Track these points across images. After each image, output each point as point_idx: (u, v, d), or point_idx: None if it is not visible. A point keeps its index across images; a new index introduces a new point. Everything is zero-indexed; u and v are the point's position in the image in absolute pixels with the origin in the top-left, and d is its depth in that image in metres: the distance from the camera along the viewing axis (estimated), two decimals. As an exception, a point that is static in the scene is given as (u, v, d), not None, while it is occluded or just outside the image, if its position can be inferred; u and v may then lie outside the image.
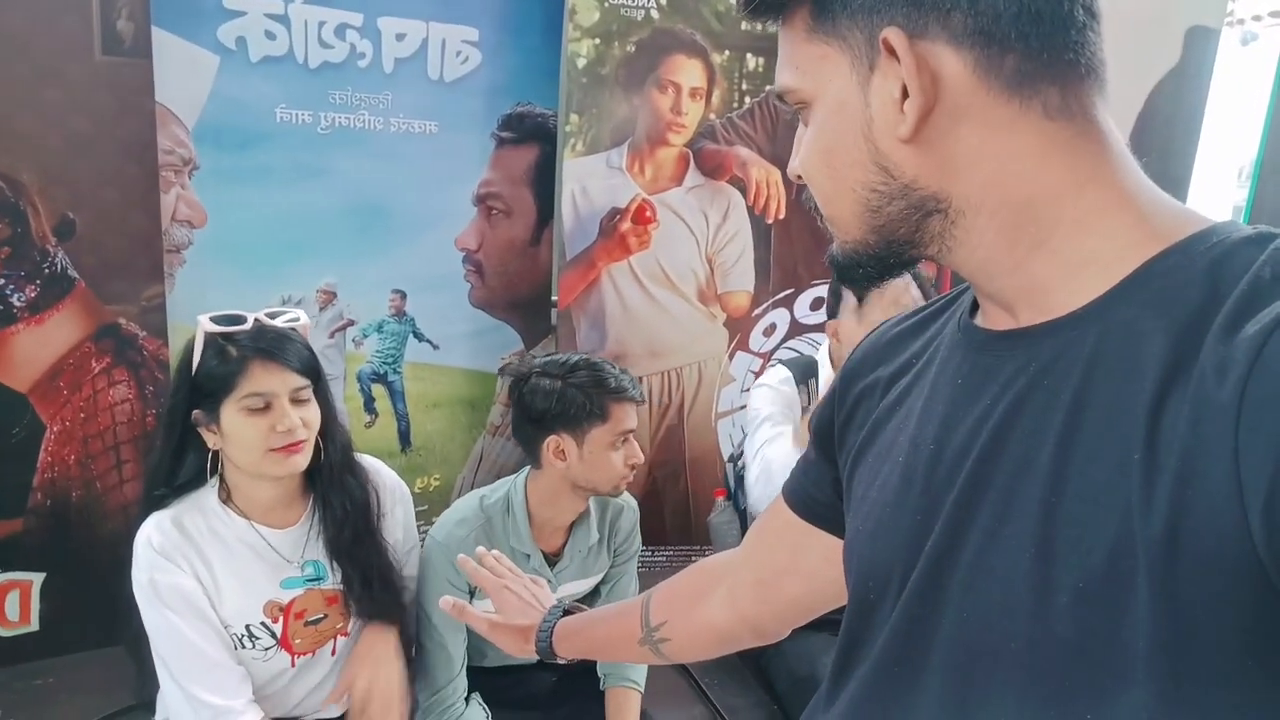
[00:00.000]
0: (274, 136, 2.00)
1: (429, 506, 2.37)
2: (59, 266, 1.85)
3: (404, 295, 2.24)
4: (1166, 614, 0.48)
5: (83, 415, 1.93)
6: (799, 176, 0.65)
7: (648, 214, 2.28)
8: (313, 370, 1.38)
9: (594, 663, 1.72)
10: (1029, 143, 0.56)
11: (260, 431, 1.33)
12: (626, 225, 2.28)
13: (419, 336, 2.29)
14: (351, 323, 2.20)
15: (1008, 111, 0.56)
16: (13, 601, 1.93)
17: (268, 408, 1.33)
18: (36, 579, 1.96)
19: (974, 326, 0.64)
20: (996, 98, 0.56)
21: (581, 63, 2.23)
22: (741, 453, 1.95)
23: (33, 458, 1.90)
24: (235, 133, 1.96)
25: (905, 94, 0.56)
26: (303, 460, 1.38)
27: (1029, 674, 0.54)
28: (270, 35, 1.95)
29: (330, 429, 1.44)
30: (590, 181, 2.26)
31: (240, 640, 1.40)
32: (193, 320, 1.97)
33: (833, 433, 0.77)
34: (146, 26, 1.82)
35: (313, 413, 1.38)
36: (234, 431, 1.34)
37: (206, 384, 1.34)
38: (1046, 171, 0.57)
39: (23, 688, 1.87)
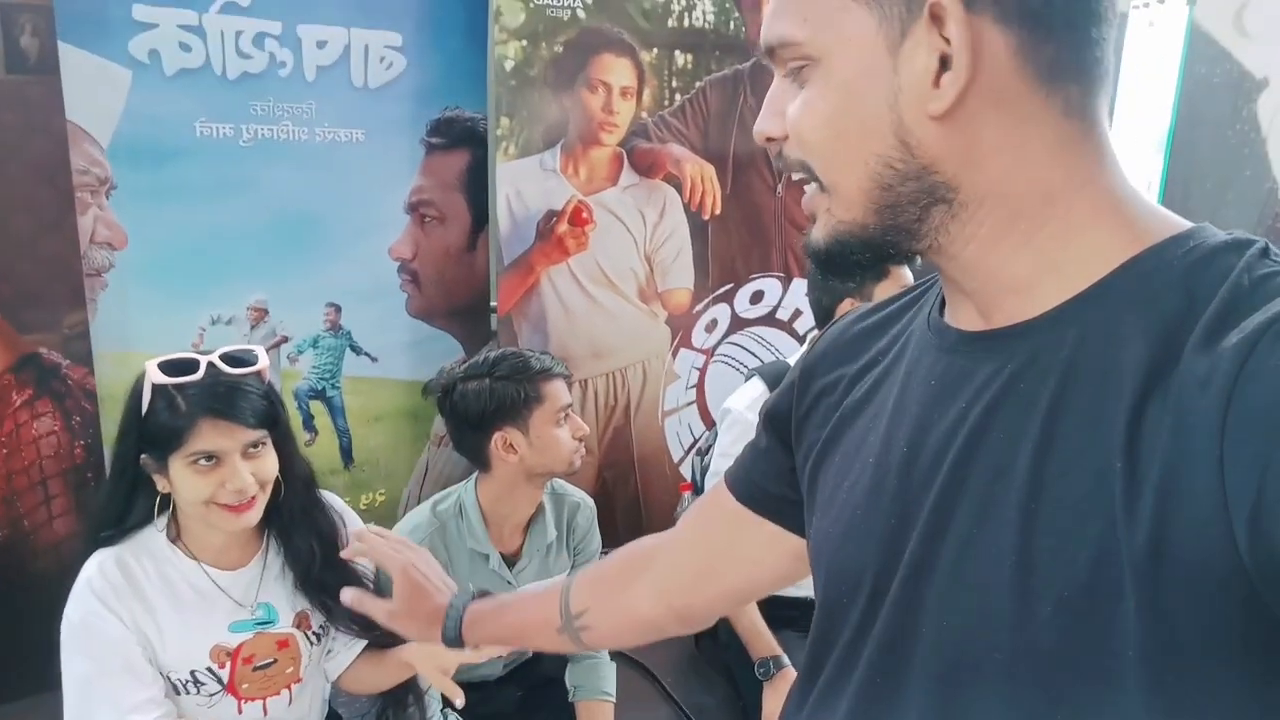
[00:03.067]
0: (194, 151, 1.93)
1: (375, 522, 2.31)
2: (-31, 295, 1.76)
3: (339, 308, 2.19)
4: (1153, 623, 0.47)
5: (5, 451, 1.84)
6: (771, 138, 0.60)
7: (584, 215, 2.27)
8: (269, 419, 1.31)
9: (562, 675, 1.71)
10: (1046, 138, 0.55)
11: (209, 488, 1.26)
12: (563, 227, 2.26)
13: (356, 350, 2.24)
14: (285, 339, 2.14)
15: (1034, 103, 0.54)
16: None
17: (218, 464, 1.27)
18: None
19: (946, 326, 0.63)
20: (1029, 86, 0.54)
21: (509, 65, 2.20)
22: (709, 447, 1.95)
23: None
24: (153, 149, 1.89)
25: (941, 66, 0.53)
26: (254, 516, 1.31)
27: (1013, 685, 0.54)
28: (185, 47, 1.88)
29: (291, 469, 1.38)
30: (524, 184, 2.24)
31: (184, 686, 1.34)
32: (119, 346, 1.93)
33: (790, 425, 0.75)
34: (52, 42, 1.74)
35: (267, 464, 1.31)
36: (181, 485, 1.27)
37: (155, 434, 1.26)
38: (1053, 170, 0.55)
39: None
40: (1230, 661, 0.47)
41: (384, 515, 2.33)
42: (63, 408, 1.88)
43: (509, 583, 1.64)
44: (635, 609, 0.90)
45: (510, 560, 1.65)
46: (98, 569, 1.29)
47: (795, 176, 0.61)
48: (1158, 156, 2.86)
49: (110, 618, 1.27)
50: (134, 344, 1.96)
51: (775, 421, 0.77)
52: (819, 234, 0.60)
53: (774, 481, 0.77)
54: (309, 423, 2.21)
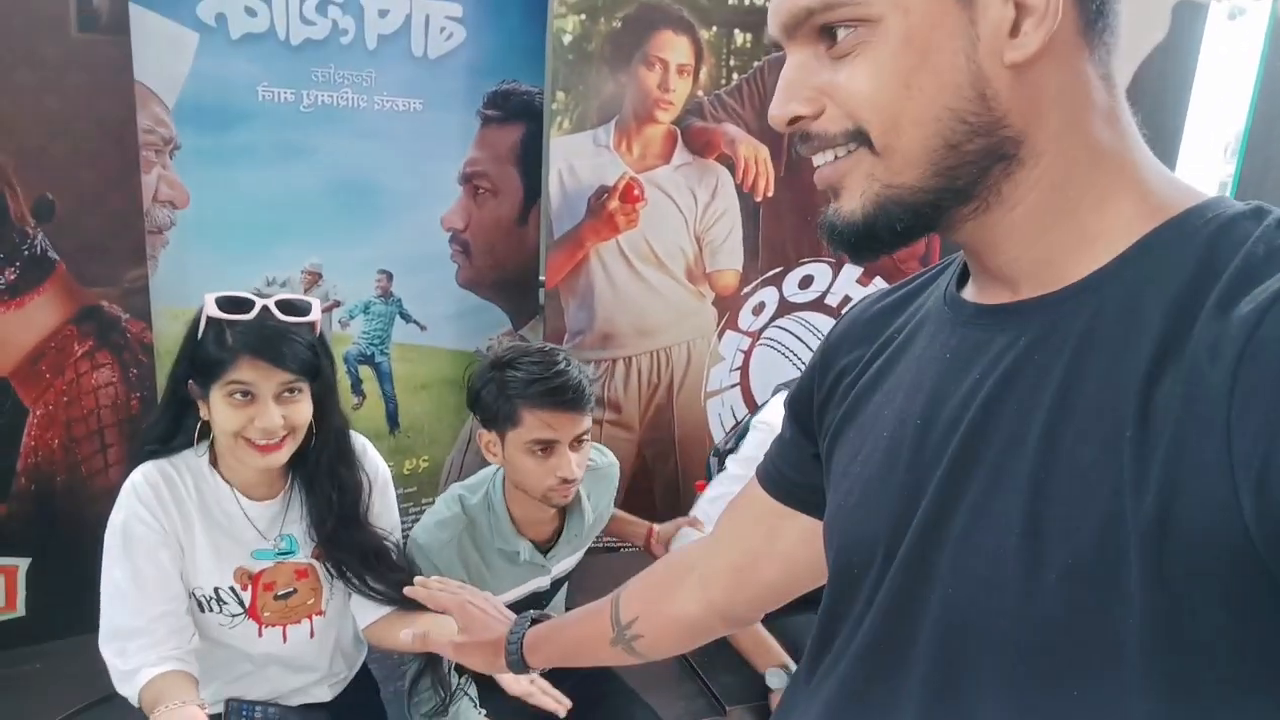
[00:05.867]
0: (256, 115, 1.97)
1: (418, 488, 2.36)
2: (38, 249, 1.82)
3: (390, 276, 2.22)
4: (1157, 592, 0.47)
5: (66, 399, 1.90)
6: (797, 119, 0.58)
7: (635, 192, 2.27)
8: (310, 368, 1.36)
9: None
10: (1091, 95, 0.55)
11: (240, 422, 1.34)
12: (614, 204, 2.26)
13: (406, 317, 2.27)
14: (338, 304, 2.18)
15: (1082, 56, 0.55)
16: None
17: (252, 400, 1.33)
18: (22, 564, 1.94)
19: (962, 300, 0.63)
20: (1081, 40, 0.54)
21: (567, 39, 2.20)
22: (728, 449, 1.94)
23: (16, 442, 1.87)
24: (216, 112, 1.93)
25: (1019, 15, 0.53)
26: (279, 459, 1.37)
27: (1017, 652, 0.54)
28: (251, 12, 1.91)
29: (325, 422, 1.43)
30: (577, 160, 2.24)
31: (208, 603, 1.41)
32: (176, 302, 1.97)
33: (811, 410, 0.75)
34: (124, 3, 1.78)
35: (300, 410, 1.37)
36: (217, 415, 1.35)
37: (201, 362, 1.35)
38: (1100, 130, 0.55)
39: (9, 674, 1.85)
40: (1233, 630, 0.47)
41: (426, 481, 2.37)
42: (121, 360, 1.94)
43: (544, 568, 1.65)
44: (682, 613, 0.92)
45: (545, 546, 1.65)
46: (143, 477, 1.37)
47: (821, 160, 0.59)
48: (1228, 158, 2.77)
49: (150, 521, 1.35)
50: (192, 301, 1.96)
51: (798, 408, 0.78)
52: (856, 204, 0.58)
53: (801, 472, 0.78)
54: (357, 387, 2.25)
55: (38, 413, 1.88)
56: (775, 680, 1.71)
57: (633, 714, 1.70)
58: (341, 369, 2.20)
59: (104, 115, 1.82)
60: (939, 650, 0.58)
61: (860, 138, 0.57)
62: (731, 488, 1.80)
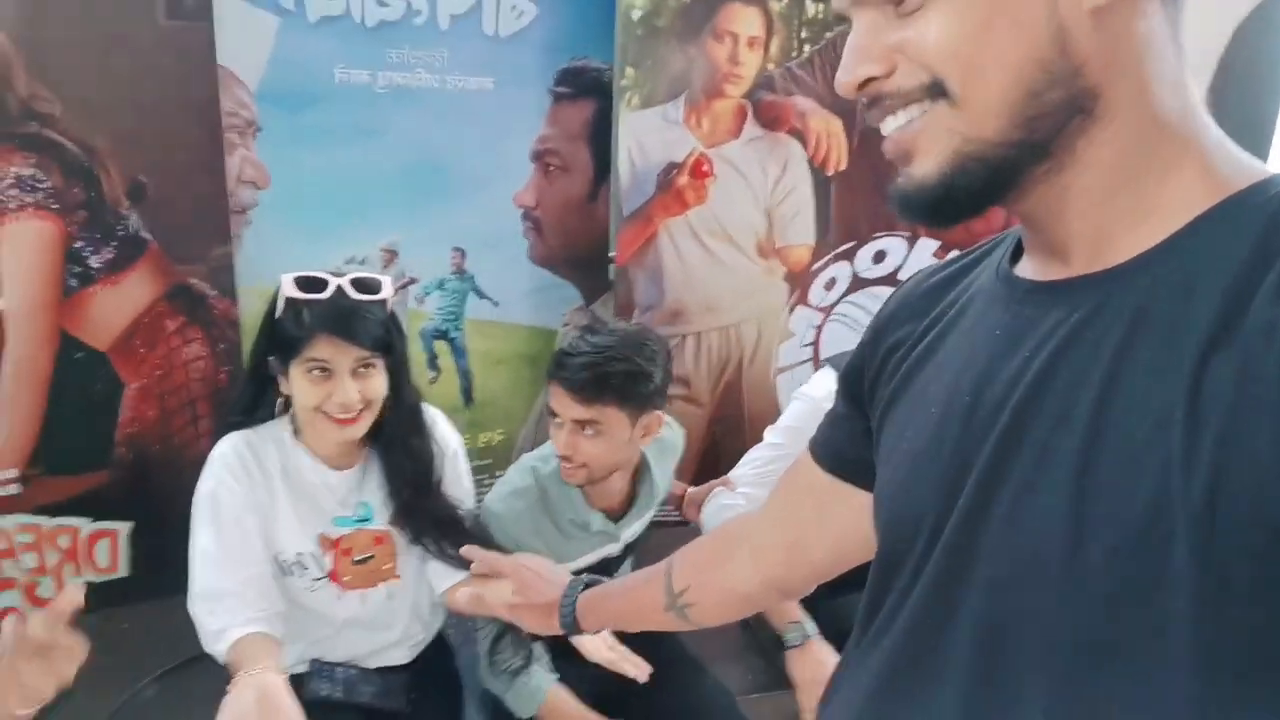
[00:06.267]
0: (333, 97, 2.02)
1: (492, 461, 2.41)
2: (131, 229, 1.90)
3: (463, 253, 2.26)
4: (1205, 573, 0.47)
5: (159, 373, 1.99)
6: (869, 80, 0.58)
7: (705, 168, 2.26)
8: (383, 344, 1.42)
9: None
10: (1166, 54, 0.54)
11: (318, 397, 1.40)
12: (684, 180, 2.26)
13: (479, 293, 2.31)
14: (413, 281, 2.23)
15: (1158, 15, 0.53)
16: (103, 549, 2.02)
17: (329, 376, 1.38)
18: (124, 528, 2.04)
19: (1015, 276, 0.62)
20: None
21: (637, 14, 2.19)
22: None
23: (114, 414, 1.97)
24: (296, 94, 1.98)
25: None
26: (357, 431, 1.43)
27: (1061, 630, 0.54)
28: (329, -7, 1.96)
29: (399, 395, 1.48)
30: (647, 136, 2.24)
31: (290, 568, 1.47)
32: (260, 280, 2.04)
33: (864, 384, 0.75)
34: (208, -11, 1.84)
35: (376, 384, 1.43)
36: (296, 390, 1.41)
37: (281, 340, 1.41)
38: (1164, 99, 0.54)
39: (111, 631, 1.95)
40: (1278, 612, 0.46)
41: (500, 454, 2.41)
42: (209, 335, 2.02)
43: (614, 536, 1.68)
44: (733, 585, 0.93)
45: (617, 515, 1.68)
46: (230, 446, 1.45)
47: (893, 125, 0.59)
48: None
49: (236, 489, 1.42)
50: (274, 278, 2.02)
51: (850, 384, 0.78)
52: (932, 164, 0.57)
53: (854, 446, 0.78)
54: (433, 362, 2.30)
55: (134, 386, 1.97)
56: (794, 636, 1.70)
57: (700, 685, 1.72)
58: (418, 345, 2.26)
59: (190, 99, 1.89)
60: (983, 628, 0.59)
61: (937, 90, 0.56)
62: (765, 453, 1.81)
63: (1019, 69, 0.54)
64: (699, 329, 2.38)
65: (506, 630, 1.58)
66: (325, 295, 1.40)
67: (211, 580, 1.38)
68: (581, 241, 2.37)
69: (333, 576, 1.51)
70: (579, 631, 1.07)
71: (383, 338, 1.43)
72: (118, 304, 1.92)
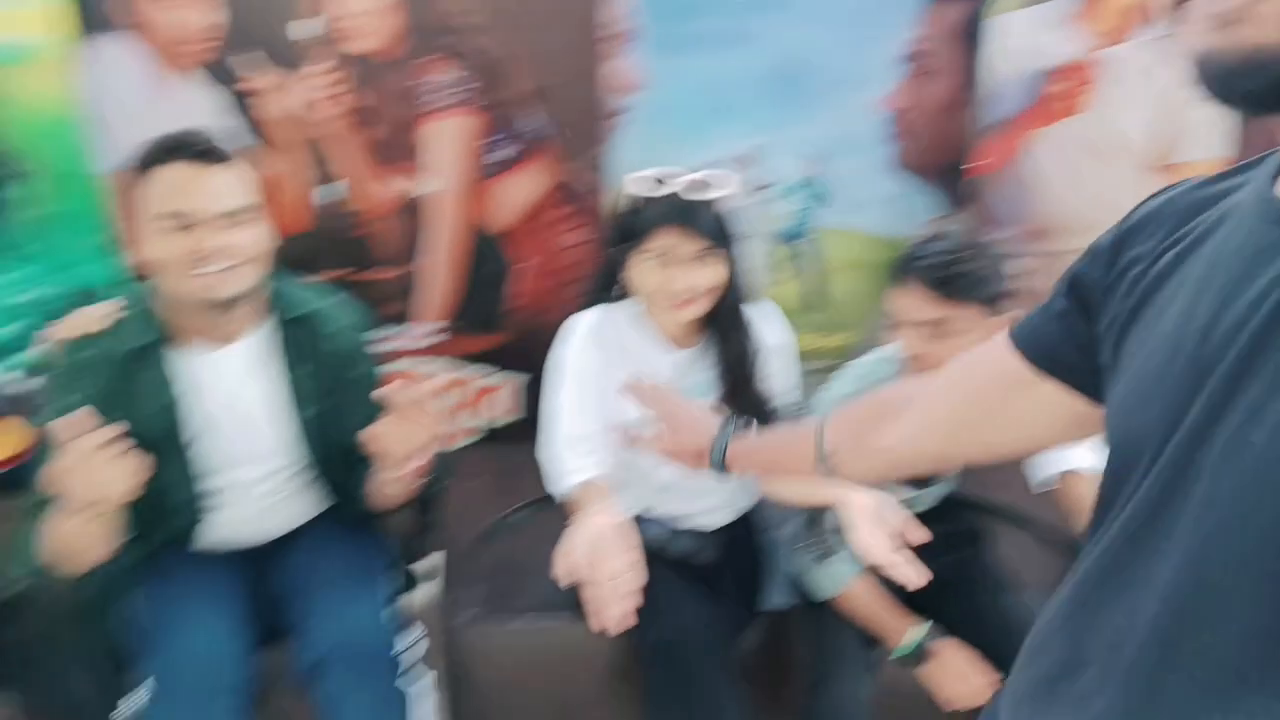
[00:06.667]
0: (705, 4, 2.13)
1: (842, 361, 2.47)
2: (529, 128, 2.20)
3: (821, 158, 2.30)
4: None
5: (544, 254, 2.31)
6: None
7: (1083, 74, 2.07)
8: (718, 236, 1.55)
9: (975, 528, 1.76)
10: None
11: (658, 282, 1.56)
12: (1059, 87, 2.09)
13: (832, 200, 2.34)
14: (769, 185, 2.32)
15: None
16: (504, 395, 2.42)
17: (667, 264, 1.53)
18: (522, 379, 2.42)
19: (1272, 197, 0.59)
20: None
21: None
22: None
23: (505, 286, 2.33)
24: (669, 3, 2.13)
25: None
26: (691, 314, 1.58)
27: (1272, 554, 0.53)
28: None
29: (733, 287, 1.61)
30: (1022, 39, 2.10)
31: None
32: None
33: (1094, 292, 0.73)
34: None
35: (710, 274, 1.56)
36: (639, 276, 1.58)
37: (625, 231, 1.59)
38: None
39: (505, 465, 2.33)
40: None
41: (842, 358, 2.47)
42: (585, 224, 2.29)
43: None
44: (889, 450, 0.94)
45: None
46: (587, 319, 1.65)
47: None
48: None
49: (592, 354, 1.62)
50: None
51: (1079, 288, 0.75)
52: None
53: (1067, 344, 0.76)
54: (783, 265, 2.40)
55: (524, 265, 2.31)
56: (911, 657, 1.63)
57: (1005, 602, 1.70)
58: (770, 247, 2.37)
59: (578, 11, 2.12)
60: (1194, 544, 0.58)
61: None
62: None
63: None
64: (1063, 250, 2.22)
65: (816, 516, 1.68)
66: (666, 192, 1.55)
67: (566, 429, 1.60)
68: (946, 149, 2.30)
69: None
70: (726, 472, 1.10)
71: (718, 231, 1.56)
72: (515, 194, 2.25)
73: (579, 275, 2.33)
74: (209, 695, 1.45)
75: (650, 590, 1.60)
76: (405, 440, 1.46)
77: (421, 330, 2.31)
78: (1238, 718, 0.56)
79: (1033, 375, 0.79)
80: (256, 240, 1.48)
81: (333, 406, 1.58)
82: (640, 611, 1.42)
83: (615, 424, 1.65)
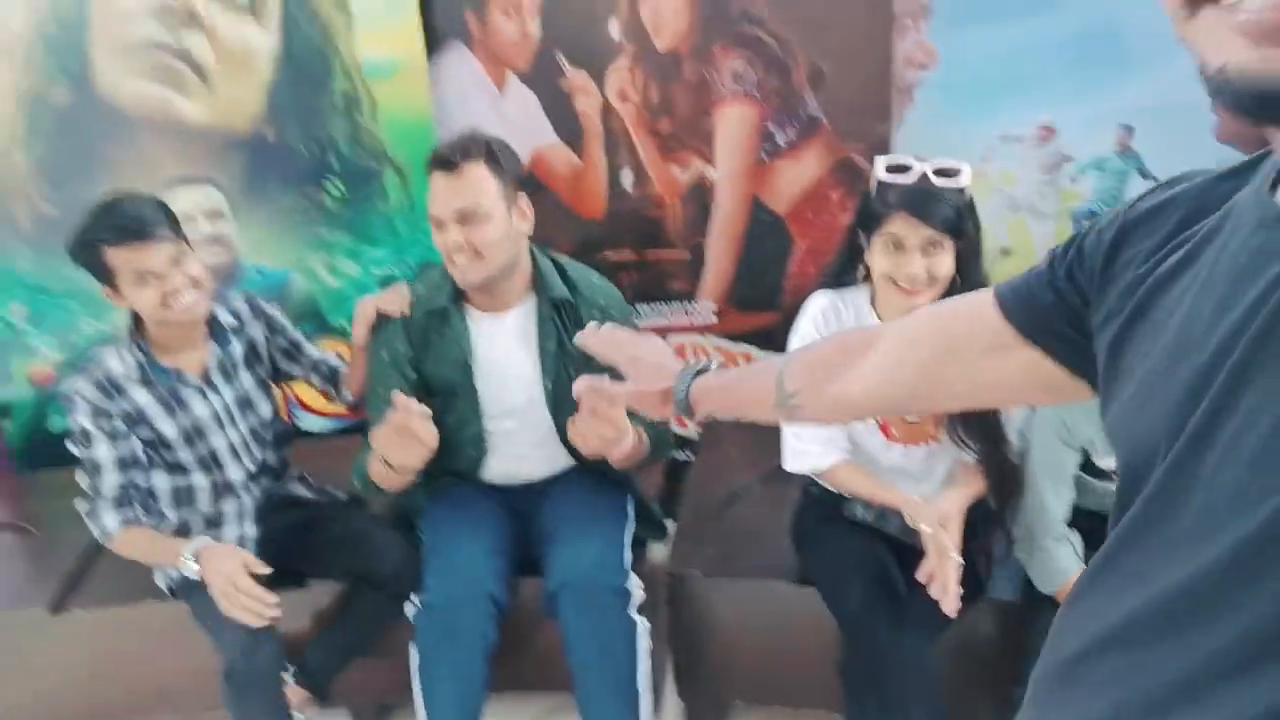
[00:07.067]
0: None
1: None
2: (810, 110, 2.24)
3: (1130, 130, 2.10)
4: None
5: (823, 235, 2.35)
6: None
7: None
8: (954, 226, 1.54)
9: None
10: None
11: (889, 266, 1.59)
12: None
13: (1145, 174, 2.12)
14: (1068, 159, 2.16)
15: None
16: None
17: (902, 250, 1.56)
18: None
19: (1271, 202, 0.57)
20: None
21: None
22: None
23: (785, 266, 2.40)
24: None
25: None
26: (920, 301, 1.58)
27: (1271, 560, 0.53)
28: None
29: (966, 279, 1.59)
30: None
31: None
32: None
33: (1091, 274, 0.71)
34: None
35: (943, 262, 1.57)
36: (876, 259, 1.61)
37: (866, 215, 1.63)
38: None
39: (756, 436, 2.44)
40: None
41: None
42: (862, 206, 2.29)
43: None
44: (851, 391, 0.93)
45: None
46: (821, 301, 1.72)
47: None
48: None
49: (811, 336, 1.69)
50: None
51: (1077, 268, 0.73)
52: None
53: (1058, 317, 0.75)
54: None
55: (803, 245, 2.37)
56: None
57: None
58: (1068, 226, 2.20)
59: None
60: (1195, 551, 0.58)
61: None
62: None
63: None
64: None
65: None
66: (907, 179, 1.55)
67: None
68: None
69: (883, 429, 1.71)
70: (692, 415, 1.08)
71: (954, 221, 1.54)
72: (795, 176, 2.31)
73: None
74: (470, 602, 1.73)
75: (854, 564, 1.63)
76: (597, 437, 1.60)
77: (703, 307, 2.46)
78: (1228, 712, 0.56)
79: (1016, 339, 0.78)
80: (493, 234, 1.70)
81: (569, 380, 1.77)
82: (840, 582, 1.46)
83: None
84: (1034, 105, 2.14)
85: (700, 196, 2.37)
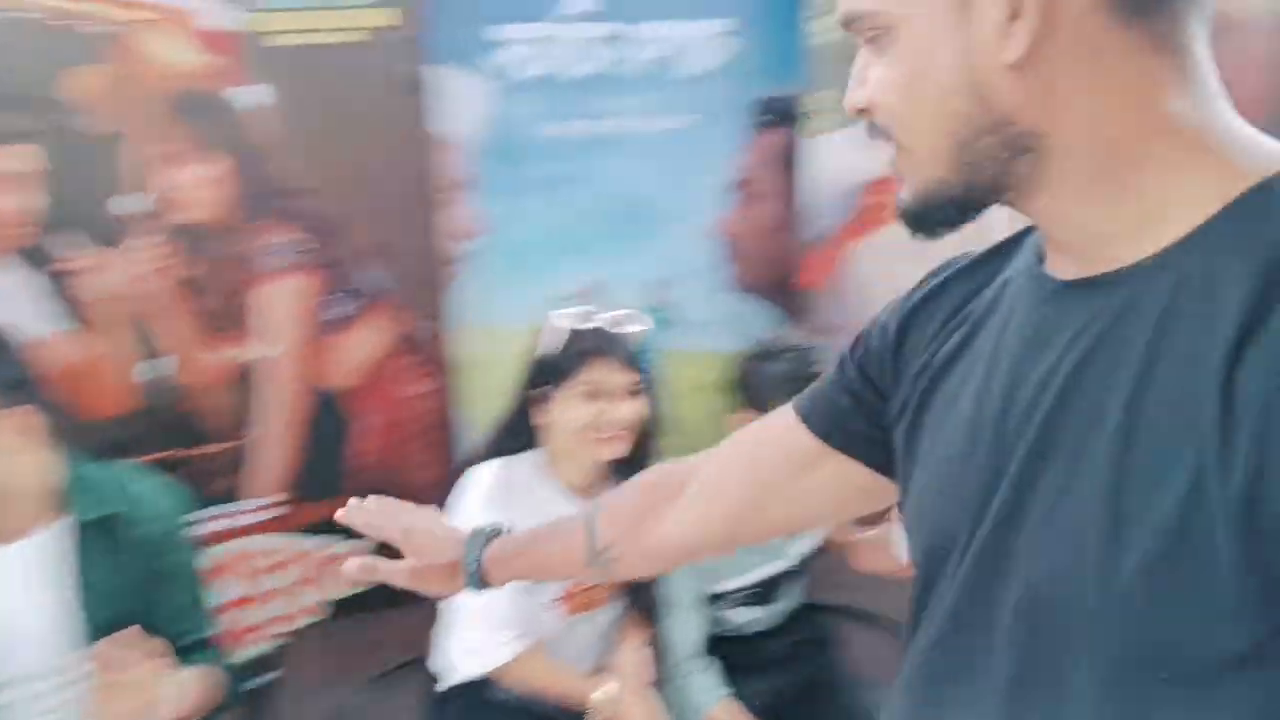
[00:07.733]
0: (537, 149, 2.18)
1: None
2: (366, 283, 2.15)
3: (665, 284, 2.33)
4: (1248, 575, 0.46)
5: (389, 409, 2.22)
6: (860, 109, 0.62)
7: (895, 185, 2.20)
8: (644, 370, 1.55)
9: (826, 633, 1.77)
10: (1132, 79, 0.53)
11: (589, 416, 1.50)
12: (874, 199, 2.22)
13: (677, 323, 2.36)
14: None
15: (1115, 42, 0.52)
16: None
17: (600, 398, 1.50)
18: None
19: (1044, 275, 0.61)
20: (1108, 24, 0.52)
21: (825, 41, 2.19)
22: None
23: (348, 446, 2.23)
24: (502, 150, 2.16)
25: (1013, 14, 0.52)
26: (620, 450, 1.53)
27: (1102, 634, 0.53)
28: (536, 55, 2.12)
29: (652, 422, 1.60)
30: (837, 159, 2.22)
31: (531, 587, 1.54)
32: (480, 321, 2.23)
33: (880, 367, 0.74)
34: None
35: (641, 407, 1.54)
36: (567, 413, 1.52)
37: (551, 367, 1.53)
38: (1148, 109, 0.53)
39: (352, 641, 2.18)
40: None
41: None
42: (432, 374, 2.23)
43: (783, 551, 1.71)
44: (668, 539, 0.89)
45: None
46: (485, 473, 1.55)
47: (886, 153, 0.61)
48: None
49: (486, 513, 1.45)
50: (491, 319, 2.23)
51: (863, 359, 0.76)
52: (907, 194, 0.61)
53: (856, 417, 0.77)
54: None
55: (367, 421, 2.22)
56: None
57: (860, 709, 1.71)
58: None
59: (407, 165, 2.11)
60: (1021, 632, 0.58)
61: (891, 136, 0.60)
62: None
63: (945, 124, 0.56)
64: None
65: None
66: (595, 325, 1.55)
67: (476, 602, 1.48)
68: (779, 267, 2.38)
69: (566, 598, 1.60)
70: (487, 587, 0.98)
71: (644, 365, 1.56)
72: (354, 350, 2.18)
73: (426, 427, 2.26)
74: None
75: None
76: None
77: (255, 505, 2.16)
78: None
79: (821, 450, 0.79)
80: None
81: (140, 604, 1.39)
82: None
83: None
84: (579, 268, 2.28)
85: (248, 380, 2.11)
